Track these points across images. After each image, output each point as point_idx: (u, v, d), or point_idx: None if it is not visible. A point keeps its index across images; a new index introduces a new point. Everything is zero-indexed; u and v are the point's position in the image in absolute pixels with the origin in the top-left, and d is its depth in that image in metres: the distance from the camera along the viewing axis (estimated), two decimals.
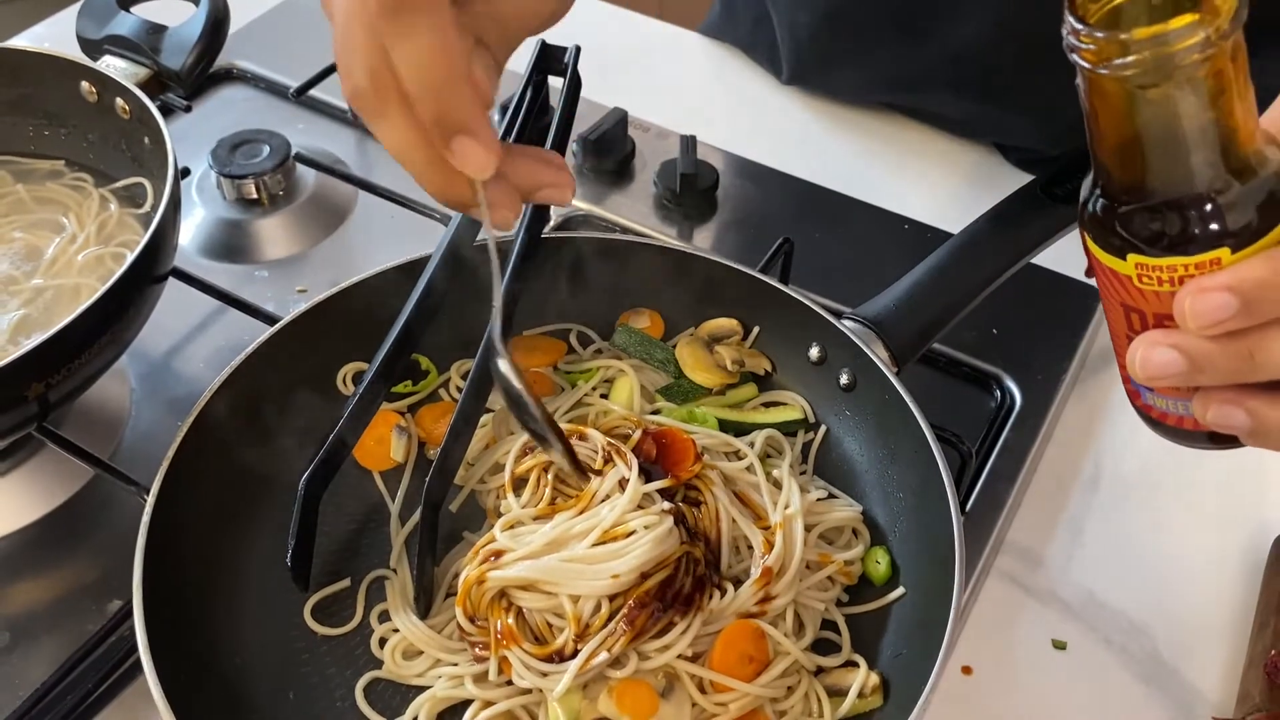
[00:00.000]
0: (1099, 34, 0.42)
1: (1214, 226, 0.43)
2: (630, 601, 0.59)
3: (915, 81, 1.04)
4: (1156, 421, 0.52)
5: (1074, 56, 0.43)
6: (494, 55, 0.53)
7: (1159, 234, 0.44)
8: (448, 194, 0.53)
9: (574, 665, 0.59)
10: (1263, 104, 0.46)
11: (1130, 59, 0.41)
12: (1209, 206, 0.43)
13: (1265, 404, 0.45)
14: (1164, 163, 0.43)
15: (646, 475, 0.65)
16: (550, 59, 0.73)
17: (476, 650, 0.62)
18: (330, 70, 1.04)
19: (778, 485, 0.69)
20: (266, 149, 0.98)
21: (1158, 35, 0.41)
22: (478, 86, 0.49)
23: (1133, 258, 0.45)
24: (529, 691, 0.61)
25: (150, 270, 0.70)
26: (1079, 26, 0.43)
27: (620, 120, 1.01)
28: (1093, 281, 0.51)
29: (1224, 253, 0.43)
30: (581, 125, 0.99)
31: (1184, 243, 0.43)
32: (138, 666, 0.66)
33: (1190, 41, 0.40)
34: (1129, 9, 0.43)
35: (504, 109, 1.05)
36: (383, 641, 0.65)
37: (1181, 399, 0.49)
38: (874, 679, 0.62)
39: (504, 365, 0.54)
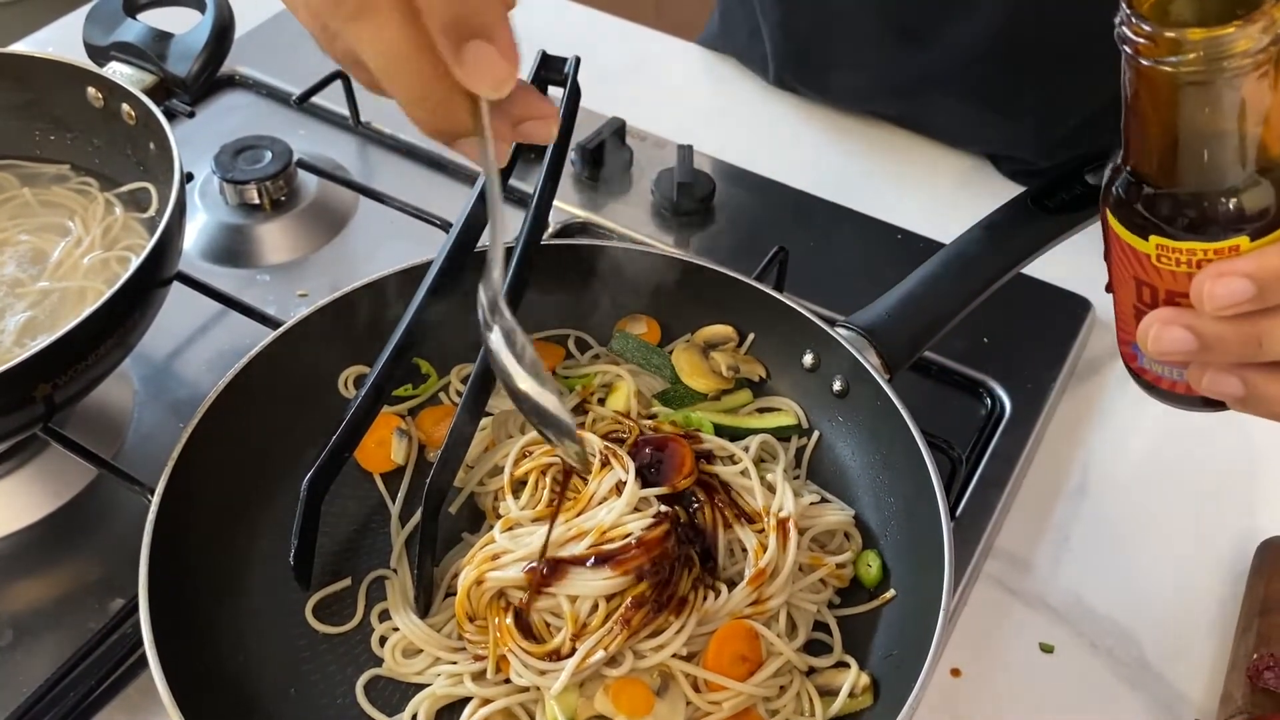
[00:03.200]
0: (1157, 29, 0.43)
1: (1237, 216, 0.45)
2: (627, 601, 0.61)
3: (913, 87, 1.05)
4: (1150, 384, 0.54)
5: (1126, 48, 0.44)
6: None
7: (1183, 219, 0.46)
8: (441, 119, 0.42)
9: (571, 663, 0.60)
10: None
11: (1185, 57, 0.42)
12: (1235, 198, 0.45)
13: (1261, 376, 0.47)
14: (1199, 155, 0.45)
15: (643, 479, 0.66)
16: (550, 69, 0.74)
17: (477, 651, 0.63)
18: (332, 78, 1.05)
19: (772, 489, 0.70)
20: (269, 155, 0.99)
21: (1216, 37, 0.42)
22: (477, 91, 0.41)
23: (1154, 239, 0.47)
24: (527, 689, 0.62)
25: (156, 274, 0.71)
26: (1135, 20, 0.43)
27: (618, 129, 1.02)
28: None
29: (1243, 240, 0.45)
30: (580, 134, 1.01)
31: (1206, 229, 0.45)
32: (140, 664, 0.68)
33: (1245, 46, 0.42)
34: (1183, 5, 0.45)
35: None
36: (383, 640, 0.66)
37: (1178, 366, 0.51)
38: (864, 679, 0.63)
39: (496, 339, 0.48)
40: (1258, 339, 0.45)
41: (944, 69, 1.00)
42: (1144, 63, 0.44)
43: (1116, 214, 0.49)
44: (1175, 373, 0.52)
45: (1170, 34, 0.42)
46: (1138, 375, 0.55)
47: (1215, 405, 0.52)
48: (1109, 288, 0.53)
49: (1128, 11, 0.44)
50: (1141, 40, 0.43)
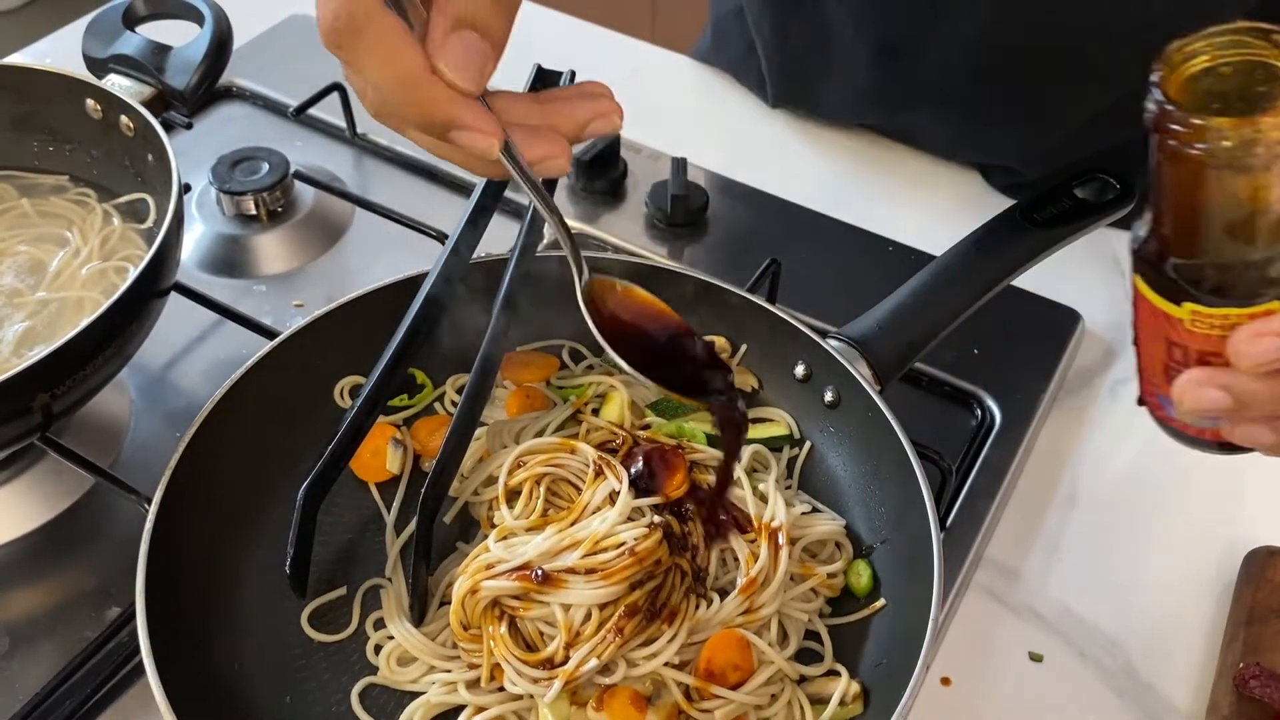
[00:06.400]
0: (1187, 118, 0.44)
1: (1270, 282, 0.47)
2: (620, 610, 0.61)
3: (900, 99, 1.05)
4: (1177, 431, 0.56)
5: (1158, 135, 0.45)
6: (487, 24, 0.49)
7: (1218, 287, 0.47)
8: (482, 168, 0.54)
9: (564, 672, 0.60)
10: None
11: (1218, 145, 0.43)
12: (1269, 266, 0.46)
13: None
14: (1231, 230, 0.46)
15: (636, 488, 0.67)
16: (546, 82, 0.75)
17: (471, 659, 0.64)
18: (329, 90, 1.06)
19: (763, 499, 0.70)
20: (266, 166, 1.00)
21: (1247, 127, 0.43)
22: (451, 81, 0.48)
23: (1188, 305, 0.48)
24: (520, 698, 0.63)
25: (154, 284, 0.72)
26: (1170, 109, 0.44)
27: (613, 142, 1.03)
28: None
29: (1275, 304, 0.47)
30: (575, 146, 1.01)
31: (1240, 295, 0.47)
32: (136, 672, 0.68)
33: (1277, 135, 0.43)
34: (1211, 82, 0.46)
35: None
36: (378, 648, 0.67)
37: (1209, 417, 0.52)
38: (855, 688, 0.64)
39: None
40: None
41: (928, 81, 1.01)
42: (1172, 144, 0.45)
43: (1147, 279, 0.50)
44: (1205, 421, 0.53)
45: (1200, 122, 0.43)
46: (1164, 423, 0.56)
47: (1242, 449, 0.53)
48: (1135, 341, 0.54)
49: (1159, 99, 0.45)
50: (1179, 129, 0.44)
